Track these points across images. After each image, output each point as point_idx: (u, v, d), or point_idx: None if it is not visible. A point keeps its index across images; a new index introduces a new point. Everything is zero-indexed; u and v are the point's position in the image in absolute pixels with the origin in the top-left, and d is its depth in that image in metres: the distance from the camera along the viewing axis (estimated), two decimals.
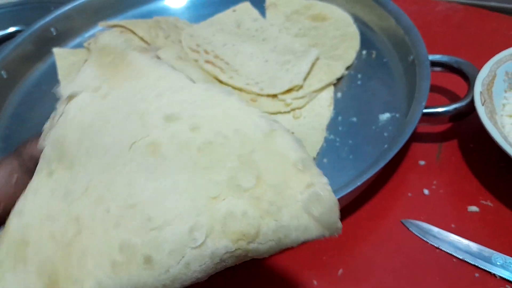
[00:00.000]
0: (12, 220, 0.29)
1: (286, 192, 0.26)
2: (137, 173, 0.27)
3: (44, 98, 0.77)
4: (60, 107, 0.31)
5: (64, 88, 0.31)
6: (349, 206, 0.56)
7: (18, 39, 0.80)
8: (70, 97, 0.30)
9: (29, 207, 0.29)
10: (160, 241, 0.25)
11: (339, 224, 0.27)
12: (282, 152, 0.27)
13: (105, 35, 0.34)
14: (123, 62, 0.31)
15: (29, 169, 0.31)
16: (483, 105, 0.54)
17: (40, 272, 0.27)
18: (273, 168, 0.26)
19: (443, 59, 0.64)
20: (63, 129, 0.30)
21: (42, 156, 0.30)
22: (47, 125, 0.31)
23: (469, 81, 0.60)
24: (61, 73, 0.76)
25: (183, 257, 0.25)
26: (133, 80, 0.31)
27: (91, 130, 0.29)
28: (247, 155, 0.27)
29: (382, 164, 0.51)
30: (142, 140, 0.28)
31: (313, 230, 0.26)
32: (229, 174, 0.26)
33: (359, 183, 0.50)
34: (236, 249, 0.25)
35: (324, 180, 0.27)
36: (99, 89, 0.31)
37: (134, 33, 0.76)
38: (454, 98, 0.67)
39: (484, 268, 0.49)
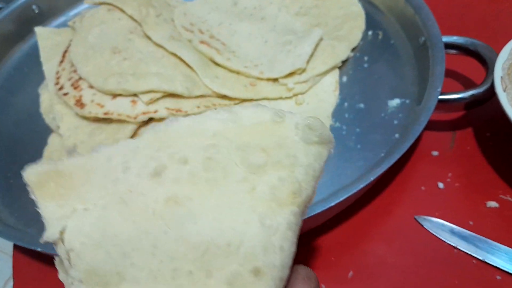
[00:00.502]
0: None
1: (287, 142, 0.29)
2: (180, 228, 0.27)
3: (26, 81, 0.71)
4: (60, 253, 0.28)
5: (47, 236, 0.28)
6: (357, 202, 0.52)
7: None
8: (61, 236, 0.28)
9: None
10: (251, 250, 0.26)
11: (331, 134, 0.30)
12: (257, 121, 0.29)
13: (27, 170, 0.30)
14: (65, 181, 0.29)
15: None
16: (504, 91, 0.50)
17: None
18: (264, 135, 0.29)
19: (458, 40, 0.59)
20: (84, 261, 0.27)
21: None
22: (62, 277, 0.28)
23: (486, 65, 0.56)
24: (43, 55, 0.71)
25: (274, 245, 0.27)
26: (90, 180, 0.29)
27: (106, 238, 0.27)
28: (239, 143, 0.28)
29: (396, 157, 0.47)
30: (156, 203, 0.27)
31: (323, 152, 0.30)
32: (243, 165, 0.28)
33: (372, 178, 0.45)
34: (298, 208, 0.28)
35: (298, 114, 0.30)
36: (75, 210, 0.28)
37: (122, 11, 0.71)
38: (467, 83, 0.63)
39: (506, 270, 0.45)
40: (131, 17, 0.70)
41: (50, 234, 0.28)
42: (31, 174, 0.29)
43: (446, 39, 0.59)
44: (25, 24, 0.77)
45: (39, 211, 0.29)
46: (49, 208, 0.28)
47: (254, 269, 0.26)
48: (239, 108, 0.29)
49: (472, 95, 0.53)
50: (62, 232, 0.28)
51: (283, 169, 0.28)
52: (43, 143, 0.62)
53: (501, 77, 0.52)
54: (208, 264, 0.27)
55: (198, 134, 0.29)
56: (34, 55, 0.73)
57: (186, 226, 0.27)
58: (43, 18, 0.79)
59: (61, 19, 0.81)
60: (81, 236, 0.28)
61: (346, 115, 0.60)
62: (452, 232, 0.48)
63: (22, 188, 0.56)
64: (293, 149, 0.29)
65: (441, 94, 0.53)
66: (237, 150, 0.28)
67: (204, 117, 0.29)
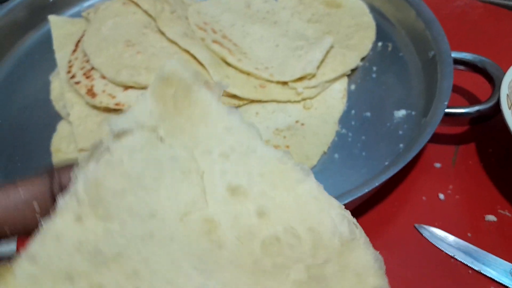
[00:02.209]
0: (22, 264, 0.23)
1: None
2: (184, 255, 0.23)
3: (36, 68, 0.72)
4: (105, 141, 0.25)
5: (114, 122, 0.25)
6: (360, 207, 0.53)
7: (11, 4, 0.75)
8: (119, 135, 0.24)
9: (46, 255, 0.23)
10: None
11: None
12: (360, 272, 0.24)
13: (172, 63, 0.27)
14: (186, 99, 0.25)
15: (57, 202, 0.26)
16: (510, 109, 0.51)
17: None
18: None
19: (467, 57, 0.60)
20: (104, 172, 0.24)
21: (72, 191, 0.24)
22: (84, 156, 0.25)
23: (493, 82, 0.57)
24: (56, 44, 0.72)
25: None
26: (196, 126, 0.25)
27: (139, 184, 0.24)
28: (318, 267, 0.23)
29: (400, 166, 0.48)
30: (198, 213, 0.23)
31: None
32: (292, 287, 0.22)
33: (377, 184, 0.47)
34: None
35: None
36: (155, 131, 0.25)
37: (138, 5, 0.72)
38: (472, 99, 0.64)
39: (501, 282, 0.46)
40: (146, 12, 0.71)
41: (113, 123, 0.24)
42: (173, 64, 0.26)
43: (455, 54, 0.61)
44: (38, 12, 0.77)
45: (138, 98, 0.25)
46: (141, 106, 0.25)
47: None
48: (363, 241, 0.24)
49: (478, 111, 0.55)
50: (121, 135, 0.24)
51: None
52: (51, 129, 0.62)
53: (507, 95, 0.53)
54: None
55: (304, 212, 0.24)
56: (46, 43, 0.74)
57: (186, 259, 0.24)
58: (56, 7, 0.80)
59: (74, 9, 0.81)
60: (127, 153, 0.24)
61: (353, 123, 0.61)
62: (450, 242, 0.49)
63: (29, 172, 0.57)
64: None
65: (447, 108, 0.54)
66: (305, 269, 0.23)
67: (330, 207, 0.24)
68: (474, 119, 0.56)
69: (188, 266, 0.22)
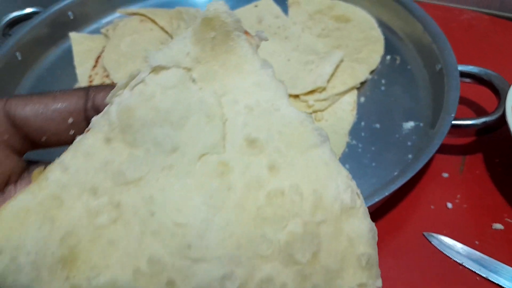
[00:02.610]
0: (54, 171, 0.25)
1: (336, 282, 0.24)
2: (196, 190, 0.25)
3: (58, 83, 0.75)
4: (142, 73, 0.26)
5: (153, 56, 0.26)
6: (370, 216, 0.54)
7: (35, 21, 0.78)
8: (156, 69, 0.26)
9: (75, 167, 0.25)
10: (190, 273, 0.24)
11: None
12: (353, 237, 0.25)
13: (219, 3, 0.28)
14: (224, 45, 0.26)
15: (88, 118, 0.27)
16: None
17: (63, 241, 0.25)
18: (335, 251, 0.24)
19: (473, 70, 0.62)
20: (137, 102, 0.26)
21: (105, 112, 0.26)
22: (122, 82, 0.26)
23: (499, 94, 0.59)
24: (77, 59, 0.75)
25: None
26: (228, 74, 0.26)
27: (167, 118, 0.25)
28: (314, 225, 0.24)
29: (409, 175, 0.50)
30: (215, 156, 0.25)
31: None
32: (287, 238, 0.24)
33: (386, 193, 0.48)
34: None
35: (379, 283, 0.25)
36: (189, 72, 0.26)
37: (154, 22, 0.75)
38: (479, 111, 0.66)
39: None
40: (162, 28, 0.74)
41: (151, 58, 0.25)
42: (219, 5, 0.25)
43: (461, 68, 0.63)
44: (60, 29, 0.81)
45: (176, 37, 0.26)
46: (180, 45, 0.26)
47: (171, 282, 0.24)
48: (362, 212, 0.25)
49: (484, 122, 0.56)
50: (157, 69, 0.26)
51: (297, 286, 0.25)
52: None
53: None
54: (164, 231, 0.25)
55: (311, 174, 0.25)
56: (66, 58, 0.77)
57: (197, 194, 0.26)
58: (76, 24, 0.83)
59: (93, 26, 0.85)
60: (160, 88, 0.25)
61: (363, 134, 0.63)
62: (458, 250, 0.51)
63: None
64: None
65: (454, 119, 0.56)
66: (302, 224, 0.25)
67: (338, 174, 0.26)
68: (481, 130, 0.58)
69: (199, 200, 0.24)
